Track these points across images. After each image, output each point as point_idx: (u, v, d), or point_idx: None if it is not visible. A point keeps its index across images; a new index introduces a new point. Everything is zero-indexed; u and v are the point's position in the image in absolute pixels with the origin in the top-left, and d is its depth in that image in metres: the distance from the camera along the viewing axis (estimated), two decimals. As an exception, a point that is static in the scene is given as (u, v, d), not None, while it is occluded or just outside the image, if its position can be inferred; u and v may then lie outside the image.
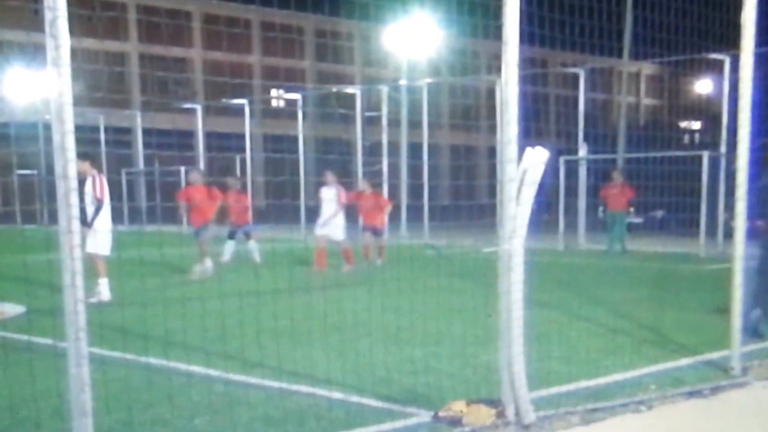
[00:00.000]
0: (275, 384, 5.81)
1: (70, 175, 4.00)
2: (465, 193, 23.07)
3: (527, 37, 5.37)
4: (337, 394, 5.59)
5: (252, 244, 15.80)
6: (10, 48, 37.51)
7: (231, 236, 15.62)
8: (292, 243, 16.18)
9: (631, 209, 19.82)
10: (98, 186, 10.40)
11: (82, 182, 10.24)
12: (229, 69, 47.05)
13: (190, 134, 35.97)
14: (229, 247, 15.59)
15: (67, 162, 3.99)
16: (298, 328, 7.93)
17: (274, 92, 47.25)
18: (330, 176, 14.38)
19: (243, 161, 27.76)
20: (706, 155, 17.60)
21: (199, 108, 29.34)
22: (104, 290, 10.37)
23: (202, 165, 27.20)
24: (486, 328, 7.22)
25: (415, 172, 23.35)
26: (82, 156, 11.47)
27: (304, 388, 5.79)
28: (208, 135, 30.54)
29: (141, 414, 5.21)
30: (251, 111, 28.07)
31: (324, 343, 7.24)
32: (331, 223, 14.21)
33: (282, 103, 45.67)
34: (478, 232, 17.36)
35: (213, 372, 6.24)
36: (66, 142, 4.00)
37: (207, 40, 47.63)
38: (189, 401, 5.50)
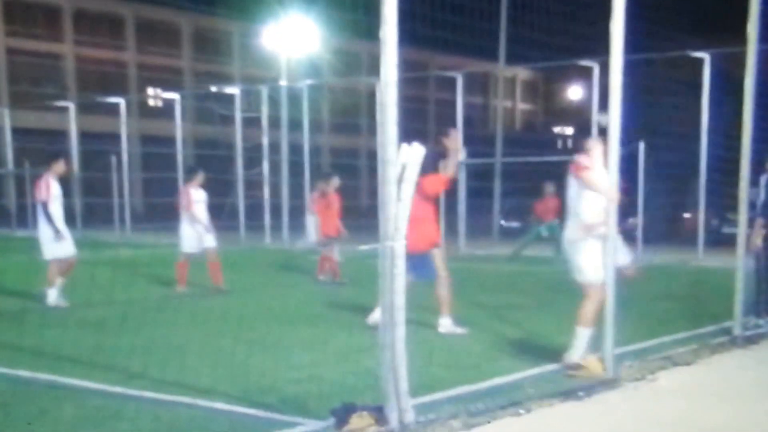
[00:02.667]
0: (154, 396, 5.65)
1: None
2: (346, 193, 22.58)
3: (408, 36, 5.29)
4: (219, 405, 5.46)
5: None
6: None
7: None
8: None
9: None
10: None
11: None
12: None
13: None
14: None
15: None
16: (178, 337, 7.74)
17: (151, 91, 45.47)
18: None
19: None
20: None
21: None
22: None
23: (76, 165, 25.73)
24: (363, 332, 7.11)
25: (296, 172, 22.98)
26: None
27: (186, 399, 5.59)
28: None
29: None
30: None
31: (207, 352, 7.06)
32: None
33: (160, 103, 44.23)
34: (358, 233, 17.04)
35: (91, 384, 5.98)
36: None
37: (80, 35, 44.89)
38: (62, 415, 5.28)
